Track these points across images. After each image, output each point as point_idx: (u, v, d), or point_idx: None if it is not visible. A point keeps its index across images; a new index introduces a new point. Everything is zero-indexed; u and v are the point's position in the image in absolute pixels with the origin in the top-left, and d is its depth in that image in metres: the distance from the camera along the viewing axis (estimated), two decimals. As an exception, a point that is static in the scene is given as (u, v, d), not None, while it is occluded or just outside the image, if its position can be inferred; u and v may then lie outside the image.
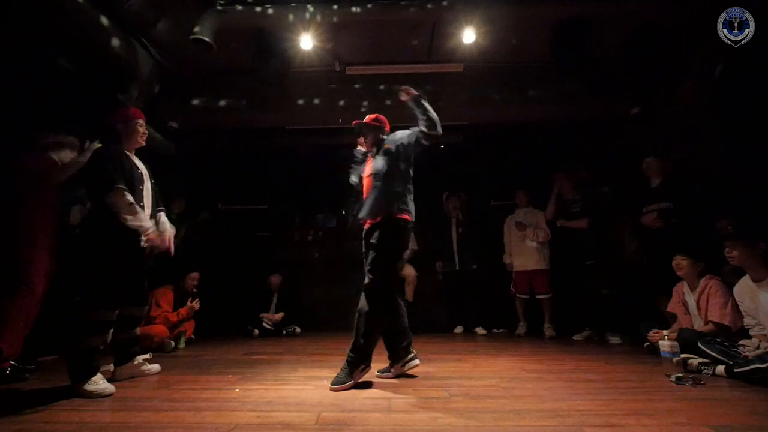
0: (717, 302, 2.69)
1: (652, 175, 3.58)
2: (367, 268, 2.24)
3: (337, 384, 2.07)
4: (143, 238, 2.17)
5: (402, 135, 2.44)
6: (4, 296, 2.33)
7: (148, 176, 2.39)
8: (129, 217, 2.10)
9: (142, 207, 2.24)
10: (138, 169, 2.31)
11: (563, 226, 4.07)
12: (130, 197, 2.12)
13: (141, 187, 2.28)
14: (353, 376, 2.13)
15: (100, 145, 2.45)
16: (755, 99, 3.26)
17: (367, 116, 2.55)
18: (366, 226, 2.36)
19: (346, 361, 2.16)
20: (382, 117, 2.58)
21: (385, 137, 2.51)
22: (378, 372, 2.37)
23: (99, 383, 1.98)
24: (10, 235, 2.41)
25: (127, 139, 2.33)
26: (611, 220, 3.95)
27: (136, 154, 2.39)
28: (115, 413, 1.73)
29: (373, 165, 2.42)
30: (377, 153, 2.45)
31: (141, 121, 2.38)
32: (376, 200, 2.29)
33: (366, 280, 2.21)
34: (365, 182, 2.47)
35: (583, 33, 3.42)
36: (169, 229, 2.46)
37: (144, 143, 2.42)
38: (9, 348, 2.31)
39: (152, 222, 2.27)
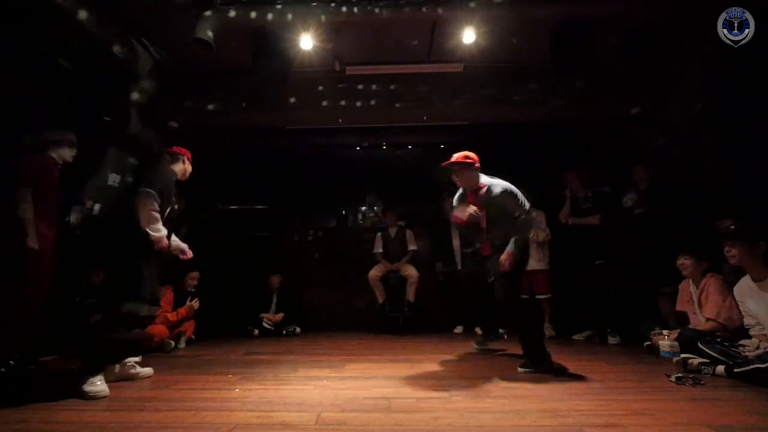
0: (714, 299, 2.71)
1: (640, 181, 3.75)
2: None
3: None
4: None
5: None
6: (7, 296, 2.33)
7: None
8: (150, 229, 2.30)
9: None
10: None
11: (575, 223, 4.02)
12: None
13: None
14: None
15: None
16: (755, 99, 3.26)
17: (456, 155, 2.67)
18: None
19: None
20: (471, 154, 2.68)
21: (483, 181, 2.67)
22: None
23: (97, 384, 1.99)
24: (12, 234, 2.41)
25: (180, 171, 2.62)
26: (620, 218, 3.95)
27: None
28: (116, 413, 1.73)
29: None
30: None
31: (190, 164, 2.71)
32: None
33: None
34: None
35: (582, 33, 3.42)
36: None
37: (186, 178, 2.69)
38: (10, 348, 2.31)
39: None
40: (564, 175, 4.20)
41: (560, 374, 2.37)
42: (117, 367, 2.31)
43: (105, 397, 1.96)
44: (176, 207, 2.58)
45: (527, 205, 2.61)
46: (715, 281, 2.78)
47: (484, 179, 2.67)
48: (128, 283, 2.25)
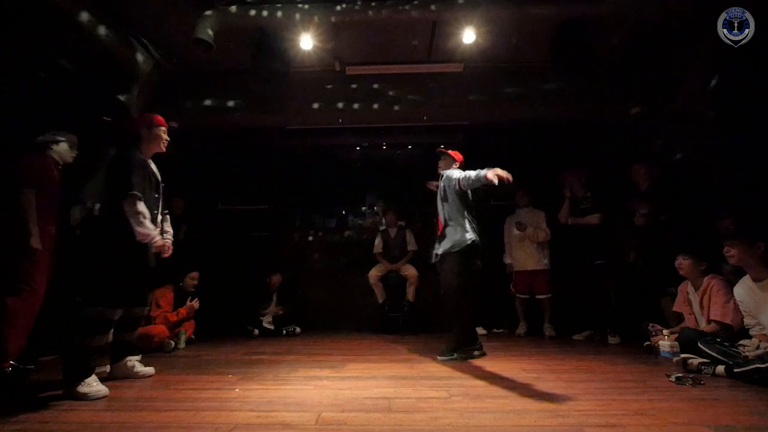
0: (719, 301, 2.70)
1: (640, 181, 3.73)
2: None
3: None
4: (152, 245, 2.19)
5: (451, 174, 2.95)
6: (8, 296, 2.33)
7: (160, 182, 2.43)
8: (137, 227, 2.12)
9: (156, 214, 2.29)
10: (156, 175, 2.35)
11: (575, 223, 4.00)
12: (141, 206, 2.14)
13: (157, 195, 2.33)
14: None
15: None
16: (755, 99, 3.26)
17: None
18: None
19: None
20: (455, 153, 3.13)
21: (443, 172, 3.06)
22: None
23: (93, 385, 1.96)
24: (13, 234, 2.41)
25: (148, 144, 2.36)
26: (620, 218, 3.94)
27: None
28: (115, 413, 1.73)
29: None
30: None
31: (164, 128, 2.43)
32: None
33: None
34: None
35: (583, 33, 3.42)
36: (170, 236, 2.49)
37: (164, 149, 2.44)
38: (13, 348, 2.32)
39: (157, 229, 2.27)
40: (562, 175, 4.20)
41: (559, 374, 2.37)
42: (117, 366, 2.32)
43: (105, 396, 1.95)
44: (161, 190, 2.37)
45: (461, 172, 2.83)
46: (718, 283, 2.76)
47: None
48: (92, 284, 2.12)
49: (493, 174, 2.55)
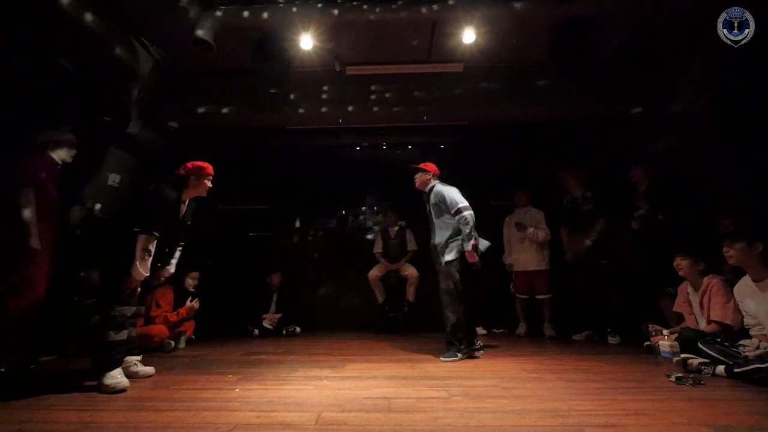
0: (719, 301, 2.70)
1: (639, 182, 3.75)
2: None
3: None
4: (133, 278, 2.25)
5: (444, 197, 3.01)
6: (8, 296, 2.34)
7: (186, 218, 2.55)
8: (138, 261, 2.19)
9: (169, 251, 2.49)
10: (180, 215, 2.48)
11: (593, 241, 3.87)
12: (152, 245, 2.23)
13: (176, 231, 2.46)
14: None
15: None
16: (755, 99, 3.26)
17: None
18: None
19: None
20: (429, 165, 3.20)
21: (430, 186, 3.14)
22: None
23: (117, 377, 2.06)
24: (13, 234, 2.41)
25: (193, 189, 2.52)
26: (622, 219, 3.93)
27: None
28: (115, 413, 1.73)
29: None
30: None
31: (211, 176, 2.58)
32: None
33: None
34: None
35: (583, 33, 3.42)
36: (170, 268, 2.61)
37: (206, 195, 2.60)
38: (10, 348, 2.32)
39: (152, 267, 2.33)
40: (560, 175, 4.20)
41: (559, 374, 2.37)
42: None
43: (125, 389, 2.04)
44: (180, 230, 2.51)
45: (464, 204, 2.93)
46: (718, 283, 2.77)
47: (436, 184, 3.12)
48: (117, 286, 2.23)
49: (470, 255, 2.86)
